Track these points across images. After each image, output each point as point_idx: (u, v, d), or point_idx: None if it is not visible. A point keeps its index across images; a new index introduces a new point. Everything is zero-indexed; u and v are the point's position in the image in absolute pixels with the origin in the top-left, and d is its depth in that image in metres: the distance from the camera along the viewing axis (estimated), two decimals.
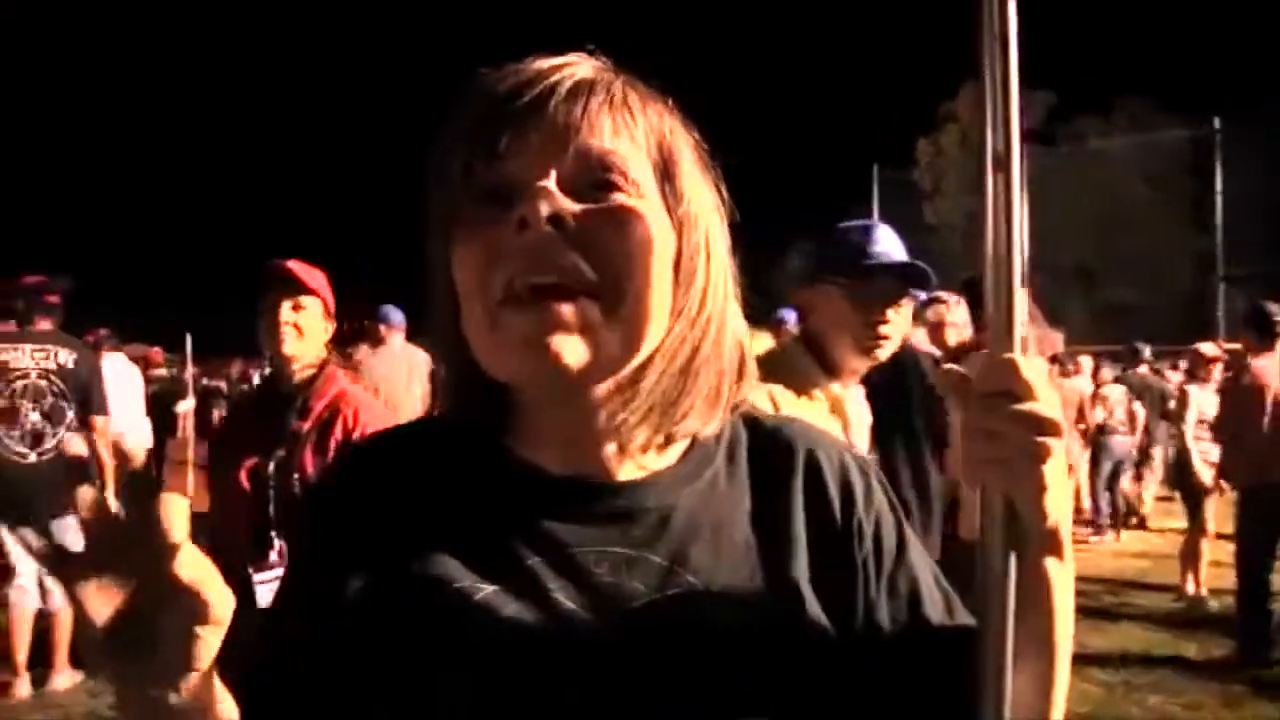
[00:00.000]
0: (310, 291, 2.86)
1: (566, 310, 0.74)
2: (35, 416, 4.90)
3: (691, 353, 0.82)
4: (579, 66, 0.81)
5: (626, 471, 0.84)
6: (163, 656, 0.66)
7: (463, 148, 0.79)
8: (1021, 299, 2.70)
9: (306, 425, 2.76)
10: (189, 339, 13.76)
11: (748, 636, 0.79)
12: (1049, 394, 0.76)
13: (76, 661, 5.14)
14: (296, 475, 2.68)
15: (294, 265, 2.86)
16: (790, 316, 8.15)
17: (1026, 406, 0.75)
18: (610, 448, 0.83)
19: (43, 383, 4.94)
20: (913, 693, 0.84)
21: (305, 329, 2.85)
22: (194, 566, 0.65)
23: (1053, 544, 0.80)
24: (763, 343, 7.80)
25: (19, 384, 4.86)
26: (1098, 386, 10.19)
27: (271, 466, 2.73)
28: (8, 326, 5.04)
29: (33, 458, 4.89)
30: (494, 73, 0.81)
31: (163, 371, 12.16)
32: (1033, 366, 0.76)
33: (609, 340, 0.76)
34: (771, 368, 2.25)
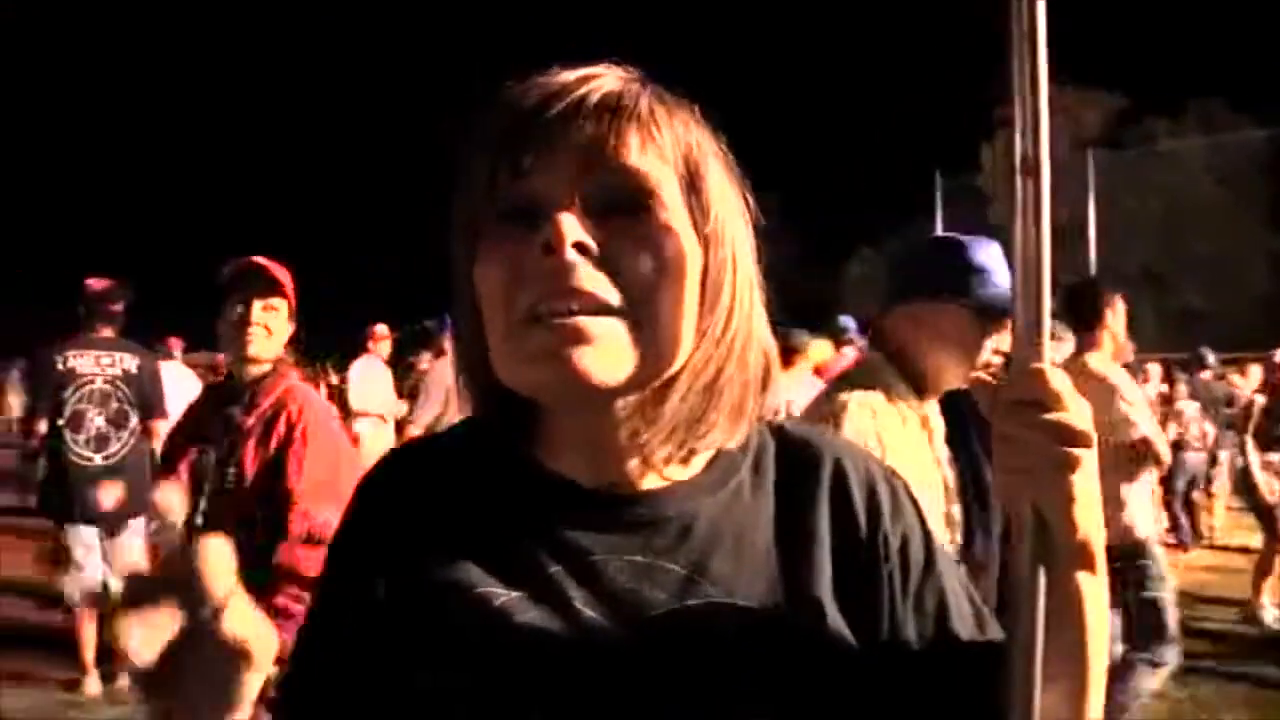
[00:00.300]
0: (282, 292, 2.84)
1: (588, 325, 0.74)
2: (100, 421, 5.04)
3: (717, 371, 0.82)
4: (605, 79, 0.80)
5: (649, 481, 0.84)
6: (206, 698, 0.68)
7: (487, 162, 0.79)
8: (1120, 311, 2.69)
9: (251, 420, 2.74)
10: None
11: (766, 649, 0.78)
12: (1077, 404, 0.74)
13: None
14: (233, 469, 2.69)
15: (268, 264, 2.84)
16: (850, 324, 8.05)
17: (1054, 416, 0.73)
18: (633, 461, 0.83)
19: (108, 388, 5.07)
20: (939, 709, 0.83)
21: (274, 330, 2.83)
22: (240, 620, 0.68)
23: (1083, 557, 0.78)
24: (822, 350, 7.62)
25: (85, 389, 5.00)
26: (1172, 401, 9.97)
27: (211, 458, 2.75)
28: (75, 333, 5.16)
29: (98, 461, 5.03)
30: (520, 84, 0.81)
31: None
32: (1060, 375, 0.75)
33: (632, 358, 0.76)
34: (857, 379, 2.24)
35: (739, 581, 0.81)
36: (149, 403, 5.23)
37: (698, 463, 0.86)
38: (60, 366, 4.99)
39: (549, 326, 0.74)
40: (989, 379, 0.79)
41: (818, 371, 7.76)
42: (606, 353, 0.75)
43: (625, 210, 0.77)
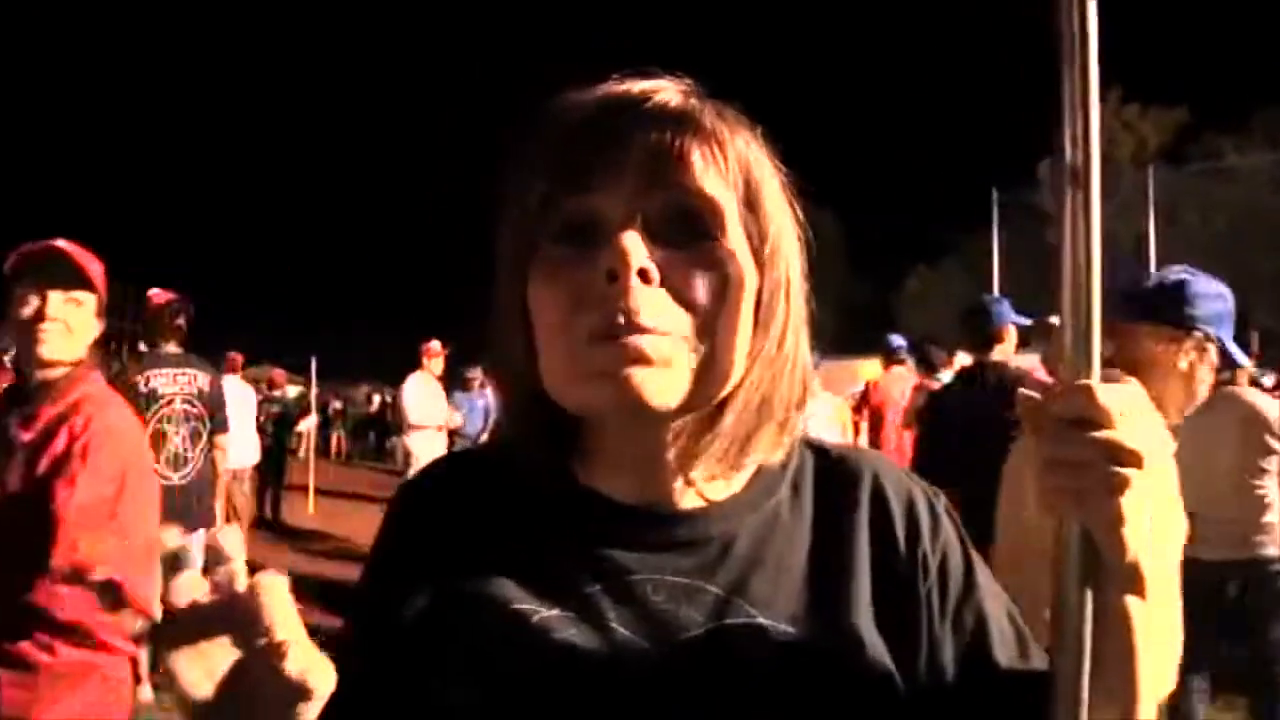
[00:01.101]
0: (88, 283, 2.43)
1: (650, 346, 0.73)
2: (178, 440, 5.04)
3: (768, 391, 0.81)
4: (665, 92, 0.79)
5: (689, 500, 0.83)
6: None
7: (543, 178, 0.78)
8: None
9: (28, 433, 2.32)
10: (314, 361, 14.28)
11: (802, 671, 0.77)
12: (1128, 422, 0.72)
13: None
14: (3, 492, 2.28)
15: (72, 249, 2.42)
16: (901, 342, 7.98)
17: (1104, 434, 0.71)
18: (676, 480, 0.82)
19: (185, 407, 5.07)
20: None
21: (75, 326, 2.40)
22: (301, 655, 0.67)
23: (1134, 579, 0.75)
24: (872, 370, 7.65)
25: (166, 409, 5.01)
26: None
27: None
28: (146, 350, 5.21)
29: (176, 479, 5.01)
30: (576, 96, 0.80)
31: (280, 392, 12.59)
32: (1111, 393, 0.72)
33: (691, 381, 0.76)
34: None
35: (777, 602, 0.80)
36: (217, 419, 5.26)
37: (737, 481, 0.85)
38: (142, 388, 4.98)
39: (611, 347, 0.73)
40: (1035, 397, 0.77)
41: (869, 389, 7.71)
42: (666, 375, 0.74)
43: (686, 232, 0.77)
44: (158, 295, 5.23)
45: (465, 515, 0.87)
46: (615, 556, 0.81)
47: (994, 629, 0.84)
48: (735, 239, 0.78)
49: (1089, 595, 0.74)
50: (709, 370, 0.76)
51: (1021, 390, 0.79)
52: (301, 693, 0.68)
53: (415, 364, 8.51)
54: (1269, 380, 10.41)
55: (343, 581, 8.10)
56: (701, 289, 0.76)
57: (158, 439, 4.95)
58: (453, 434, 9.45)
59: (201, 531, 5.15)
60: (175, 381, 5.07)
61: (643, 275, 0.73)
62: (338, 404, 25.89)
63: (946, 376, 6.67)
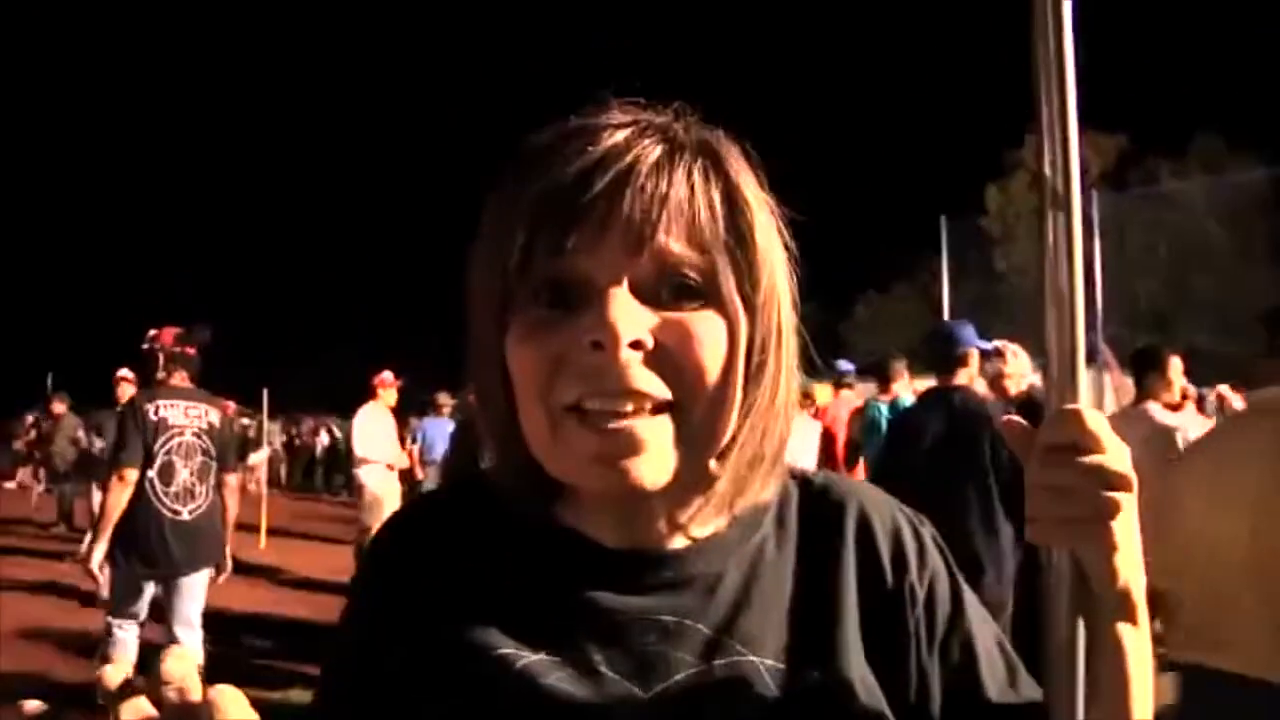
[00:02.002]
0: None
1: (639, 429, 0.71)
2: (186, 474, 4.93)
3: (760, 445, 0.79)
4: (649, 142, 0.74)
5: (675, 541, 0.81)
6: None
7: (523, 233, 0.73)
8: (1174, 365, 2.88)
9: None
10: (265, 394, 14.06)
11: (793, 709, 0.75)
12: (1117, 446, 0.72)
13: None
14: None
15: None
16: (849, 367, 8.04)
17: (1094, 459, 0.71)
18: (661, 522, 0.80)
19: (195, 440, 4.97)
20: None
21: None
22: None
23: (1125, 606, 0.75)
24: (823, 394, 7.64)
25: (175, 441, 4.90)
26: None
27: None
28: (159, 382, 5.08)
29: (185, 515, 4.91)
30: (556, 143, 0.75)
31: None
32: (1098, 416, 0.72)
33: (680, 454, 0.73)
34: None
35: (767, 639, 0.78)
36: (225, 455, 5.16)
37: (723, 518, 0.83)
38: (152, 416, 4.88)
39: (598, 430, 0.71)
40: (1022, 422, 0.77)
41: (819, 414, 7.75)
42: (657, 456, 0.72)
43: (674, 293, 0.73)
44: (166, 333, 5.11)
45: (444, 559, 0.84)
46: (601, 598, 0.79)
47: (982, 657, 0.83)
48: (725, 293, 0.74)
49: (1081, 625, 0.74)
50: (700, 437, 0.74)
51: (1007, 418, 0.78)
52: None
53: (368, 394, 8.38)
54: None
55: (296, 619, 7.96)
56: (690, 356, 0.72)
57: (167, 470, 4.88)
58: (423, 460, 9.38)
59: (205, 571, 5.05)
60: (186, 415, 4.97)
61: (633, 345, 0.71)
62: (283, 436, 25.53)
63: (902, 390, 6.75)
